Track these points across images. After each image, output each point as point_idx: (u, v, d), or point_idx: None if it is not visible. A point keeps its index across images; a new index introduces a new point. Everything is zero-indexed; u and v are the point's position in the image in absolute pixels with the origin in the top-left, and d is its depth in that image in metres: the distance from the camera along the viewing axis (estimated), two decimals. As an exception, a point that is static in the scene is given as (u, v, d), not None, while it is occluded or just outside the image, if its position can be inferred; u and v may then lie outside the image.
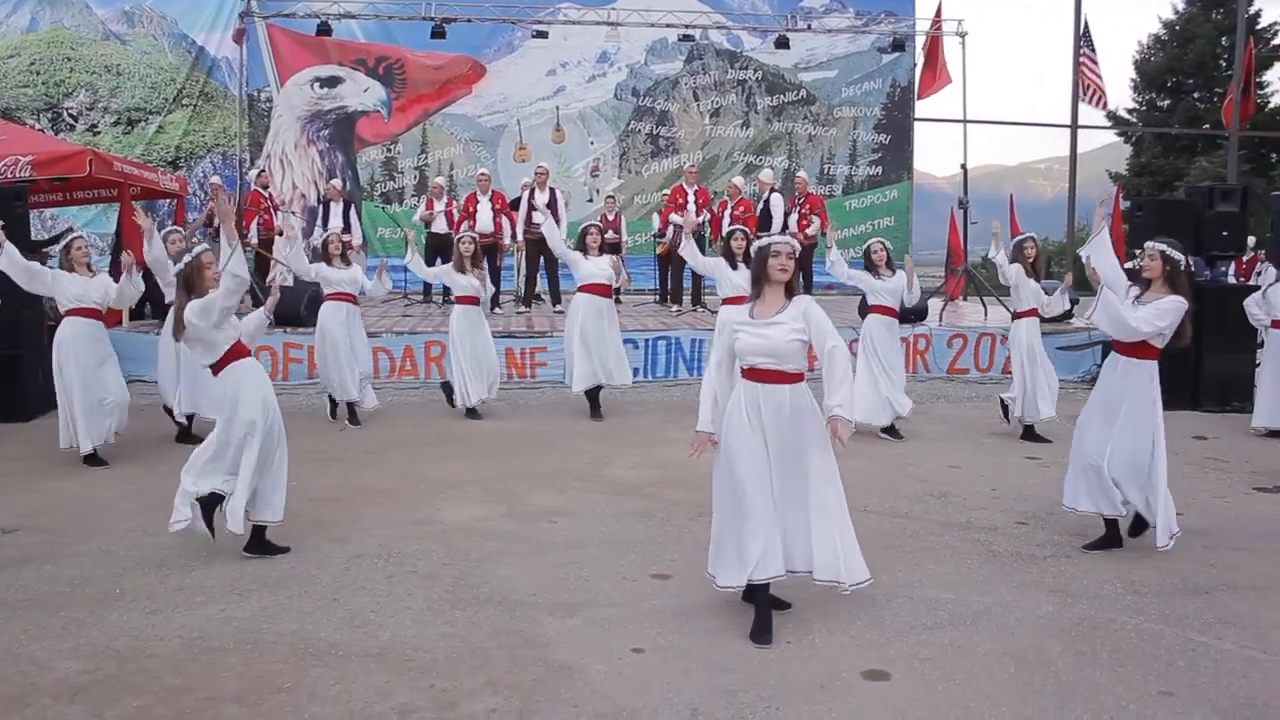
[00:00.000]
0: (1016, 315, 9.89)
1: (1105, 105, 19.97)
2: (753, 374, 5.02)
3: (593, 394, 10.71)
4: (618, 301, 15.18)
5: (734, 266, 9.75)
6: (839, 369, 4.88)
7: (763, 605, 5.04)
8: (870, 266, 9.86)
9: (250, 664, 4.57)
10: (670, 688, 4.40)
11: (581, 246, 10.54)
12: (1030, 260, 9.62)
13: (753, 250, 5.41)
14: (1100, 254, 6.39)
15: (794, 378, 5.01)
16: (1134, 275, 6.50)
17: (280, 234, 14.81)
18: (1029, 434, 9.92)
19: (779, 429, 4.97)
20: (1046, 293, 9.65)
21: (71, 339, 8.50)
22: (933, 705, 4.27)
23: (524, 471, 8.34)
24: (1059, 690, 4.42)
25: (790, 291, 5.09)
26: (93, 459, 8.52)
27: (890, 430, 9.87)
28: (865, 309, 10.15)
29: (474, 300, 10.49)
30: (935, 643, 4.93)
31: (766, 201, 15.13)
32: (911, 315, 13.44)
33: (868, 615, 5.25)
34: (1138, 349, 6.33)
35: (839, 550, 5.02)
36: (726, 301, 9.83)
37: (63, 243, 8.99)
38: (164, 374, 9.36)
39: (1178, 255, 6.34)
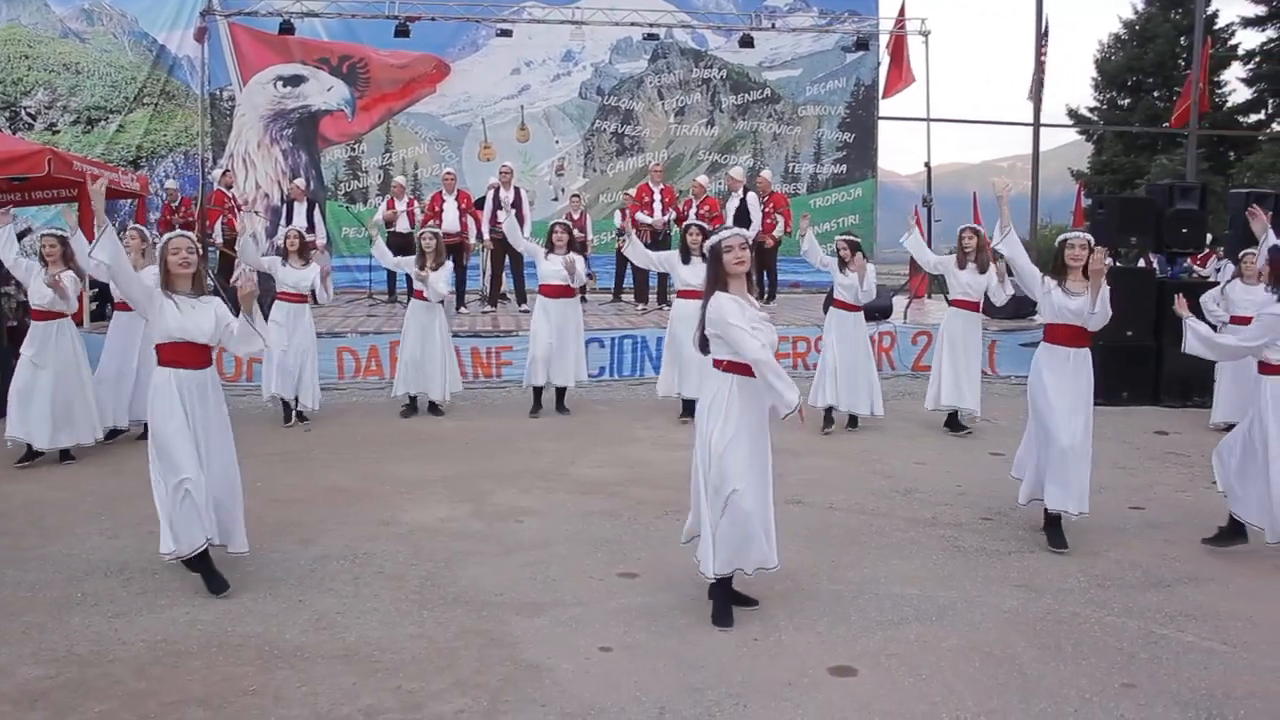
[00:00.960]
0: (951, 304, 10.04)
1: (1040, 101, 20.19)
2: (742, 368, 4.98)
3: (538, 391, 10.77)
4: (583, 300, 15.20)
5: (686, 261, 9.81)
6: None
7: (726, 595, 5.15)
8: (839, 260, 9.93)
9: (215, 667, 4.53)
10: (638, 686, 4.40)
11: (548, 244, 10.54)
12: (971, 252, 9.71)
13: (705, 249, 5.41)
14: (1015, 249, 6.55)
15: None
16: (1059, 269, 6.50)
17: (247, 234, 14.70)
18: (952, 422, 10.09)
19: (760, 417, 5.07)
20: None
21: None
22: (899, 700, 4.30)
23: (490, 471, 8.31)
24: (1023, 684, 4.46)
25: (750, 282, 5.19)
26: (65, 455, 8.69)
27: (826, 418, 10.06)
28: (829, 303, 10.26)
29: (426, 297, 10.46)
30: (901, 638, 4.96)
31: (743, 200, 15.12)
32: (876, 313, 13.51)
33: (834, 612, 5.28)
34: (1084, 338, 6.50)
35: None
36: (681, 295, 9.99)
37: (34, 233, 8.89)
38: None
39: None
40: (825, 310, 10.41)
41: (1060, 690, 4.40)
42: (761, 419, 5.07)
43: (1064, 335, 6.46)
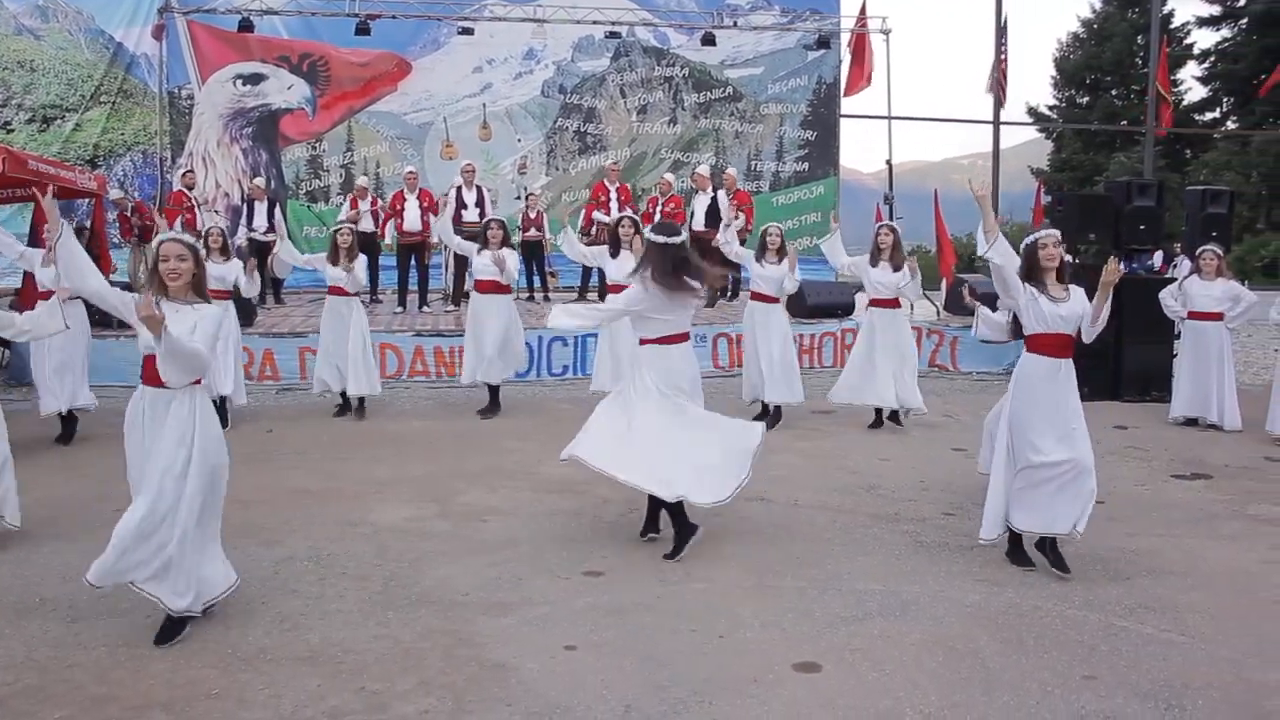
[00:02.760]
0: (870, 303, 10.17)
1: (1004, 103, 20.40)
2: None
3: (493, 390, 10.71)
4: (546, 298, 15.17)
5: (614, 255, 9.89)
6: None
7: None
8: (761, 251, 9.96)
9: (178, 670, 4.49)
10: (604, 684, 4.40)
11: (481, 240, 10.45)
12: (886, 249, 9.86)
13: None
14: (1006, 256, 5.94)
15: None
16: (1033, 273, 6.00)
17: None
18: (880, 420, 10.24)
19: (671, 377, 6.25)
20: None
21: None
22: (863, 695, 4.33)
23: (455, 470, 8.29)
24: (986, 677, 4.50)
25: None
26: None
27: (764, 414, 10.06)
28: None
29: (343, 292, 10.35)
30: (865, 634, 4.99)
31: (714, 199, 15.12)
32: (839, 310, 13.60)
33: (799, 608, 5.30)
34: (1072, 347, 6.04)
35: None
36: (611, 290, 9.72)
37: None
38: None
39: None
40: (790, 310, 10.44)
41: (1022, 683, 4.44)
42: (672, 378, 6.18)
43: (1052, 345, 5.94)
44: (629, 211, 11.71)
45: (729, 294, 15.90)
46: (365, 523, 6.79)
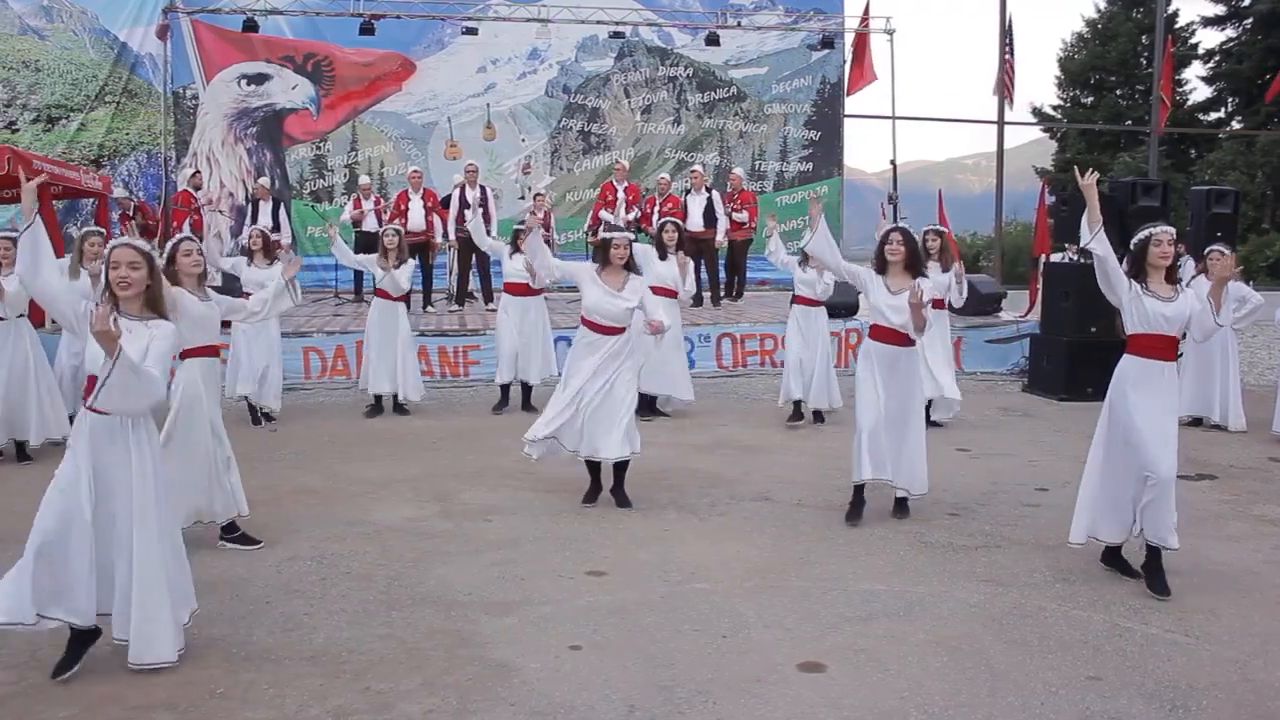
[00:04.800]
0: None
1: (1012, 104, 20.39)
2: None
3: (505, 389, 10.84)
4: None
5: (663, 257, 9.92)
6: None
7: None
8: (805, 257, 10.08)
9: (181, 670, 4.48)
10: (607, 684, 4.40)
11: (513, 243, 10.54)
12: (935, 251, 9.89)
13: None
14: (1106, 248, 5.66)
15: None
16: (1141, 270, 5.72)
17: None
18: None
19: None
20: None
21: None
22: (867, 695, 4.32)
23: (458, 470, 8.29)
24: (991, 678, 4.49)
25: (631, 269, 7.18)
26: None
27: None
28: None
29: (389, 295, 10.41)
30: (869, 634, 4.98)
31: (709, 199, 15.16)
32: (842, 310, 13.57)
33: (803, 608, 5.30)
34: (1175, 350, 5.80)
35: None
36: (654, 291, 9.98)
37: None
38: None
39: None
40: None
41: (1027, 683, 4.43)
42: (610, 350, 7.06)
43: (1155, 347, 5.64)
44: (671, 217, 11.70)
45: (734, 295, 15.91)
46: (367, 522, 6.79)
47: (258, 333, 9.96)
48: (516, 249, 10.40)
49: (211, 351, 6.24)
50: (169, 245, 6.17)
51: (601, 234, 7.62)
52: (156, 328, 4.49)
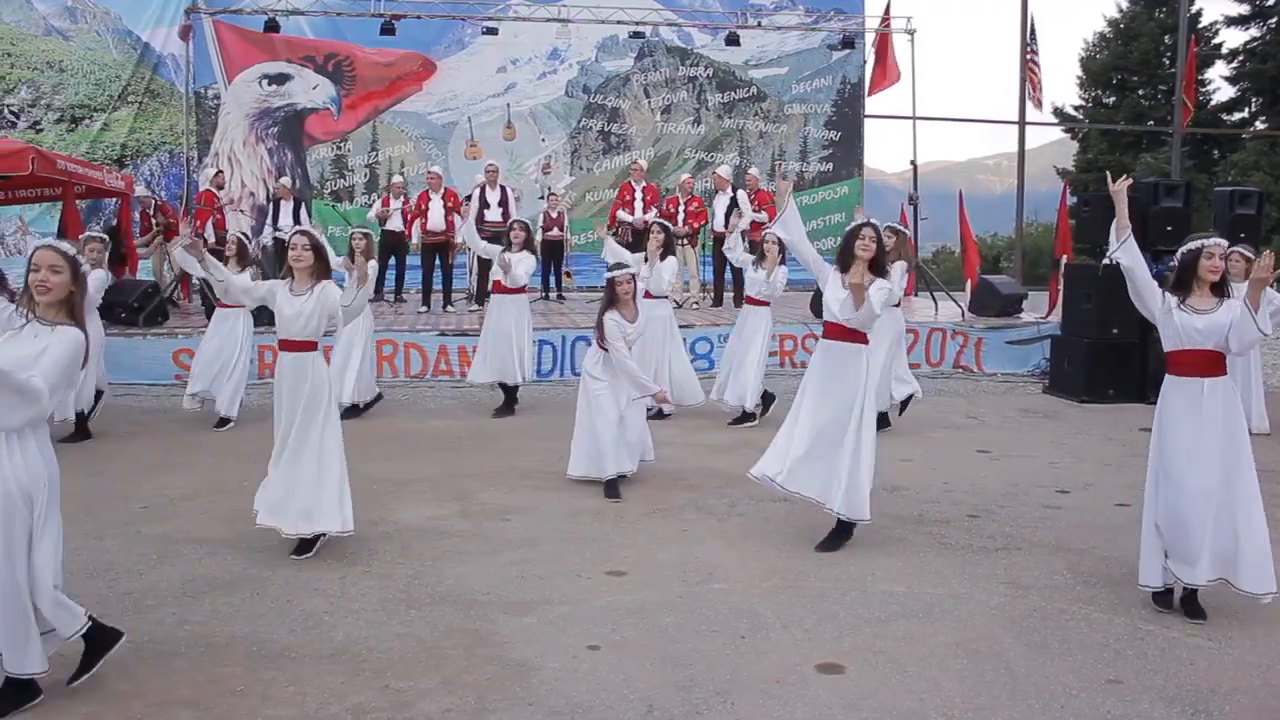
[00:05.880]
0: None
1: (1040, 105, 20.24)
2: None
3: (505, 389, 10.75)
4: (560, 298, 15.21)
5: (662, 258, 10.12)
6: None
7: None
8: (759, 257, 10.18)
9: (202, 668, 4.51)
10: (625, 684, 4.40)
11: (506, 242, 10.51)
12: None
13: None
14: (1135, 258, 5.29)
15: None
16: (1185, 283, 5.27)
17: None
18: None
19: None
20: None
21: None
22: (886, 697, 4.31)
23: (477, 469, 8.31)
24: (1011, 680, 4.47)
25: None
26: None
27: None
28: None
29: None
30: (889, 635, 4.97)
31: (733, 199, 15.13)
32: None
33: (821, 609, 5.29)
34: (1219, 364, 5.28)
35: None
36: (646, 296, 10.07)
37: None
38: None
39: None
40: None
41: (1047, 686, 4.41)
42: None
43: (1192, 363, 5.23)
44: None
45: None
46: (387, 521, 6.81)
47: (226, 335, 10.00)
48: (509, 248, 10.38)
49: (302, 347, 6.03)
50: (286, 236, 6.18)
51: (605, 275, 7.87)
52: (62, 334, 4.10)
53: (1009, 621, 5.17)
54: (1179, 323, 5.23)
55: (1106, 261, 5.36)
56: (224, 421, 9.78)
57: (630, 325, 7.63)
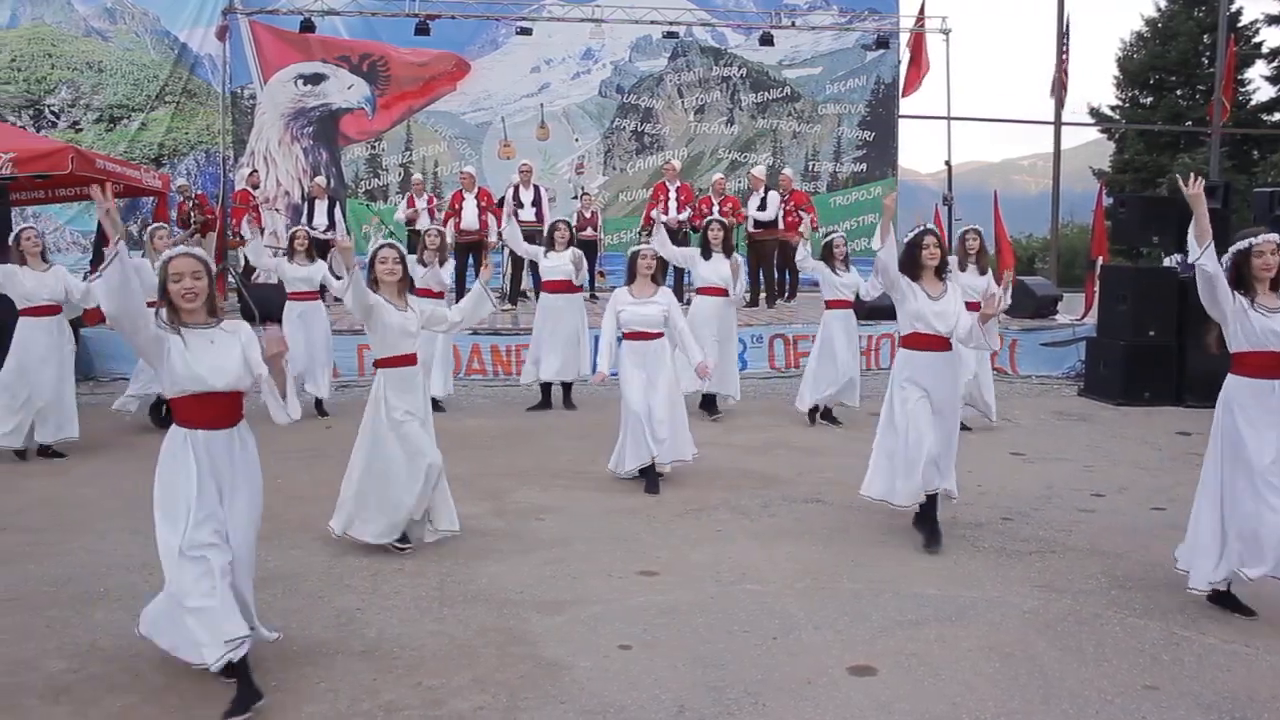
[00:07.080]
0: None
1: (1063, 102, 20.09)
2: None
3: (546, 388, 10.92)
4: (593, 298, 15.24)
5: (707, 257, 10.08)
6: (687, 333, 7.93)
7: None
8: (828, 260, 10.16)
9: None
10: (657, 684, 4.40)
11: (548, 242, 10.67)
12: (973, 254, 9.88)
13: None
14: (1215, 264, 5.16)
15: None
16: (1242, 282, 5.25)
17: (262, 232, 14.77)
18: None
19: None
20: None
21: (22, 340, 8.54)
22: (919, 700, 4.29)
23: (510, 468, 8.33)
24: (1044, 685, 4.44)
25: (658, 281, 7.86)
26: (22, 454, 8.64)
27: (828, 416, 10.40)
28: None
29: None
30: (921, 638, 4.94)
31: (764, 198, 15.17)
32: (881, 313, 13.49)
33: (853, 610, 5.27)
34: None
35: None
36: (700, 292, 10.33)
37: (11, 235, 8.83)
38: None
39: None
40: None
41: (1081, 691, 4.38)
42: (648, 361, 7.74)
43: (1263, 365, 5.16)
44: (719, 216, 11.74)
45: (787, 296, 15.86)
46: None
47: (309, 330, 10.21)
48: (552, 248, 10.55)
49: (406, 361, 6.15)
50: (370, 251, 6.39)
51: (631, 249, 8.18)
52: (237, 331, 4.38)
53: (1043, 625, 5.13)
54: (1255, 324, 5.13)
55: (1173, 264, 5.06)
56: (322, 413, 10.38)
57: (632, 302, 7.75)
